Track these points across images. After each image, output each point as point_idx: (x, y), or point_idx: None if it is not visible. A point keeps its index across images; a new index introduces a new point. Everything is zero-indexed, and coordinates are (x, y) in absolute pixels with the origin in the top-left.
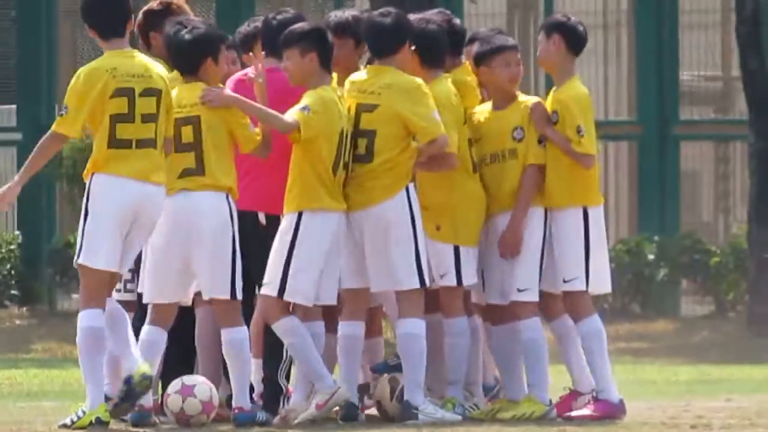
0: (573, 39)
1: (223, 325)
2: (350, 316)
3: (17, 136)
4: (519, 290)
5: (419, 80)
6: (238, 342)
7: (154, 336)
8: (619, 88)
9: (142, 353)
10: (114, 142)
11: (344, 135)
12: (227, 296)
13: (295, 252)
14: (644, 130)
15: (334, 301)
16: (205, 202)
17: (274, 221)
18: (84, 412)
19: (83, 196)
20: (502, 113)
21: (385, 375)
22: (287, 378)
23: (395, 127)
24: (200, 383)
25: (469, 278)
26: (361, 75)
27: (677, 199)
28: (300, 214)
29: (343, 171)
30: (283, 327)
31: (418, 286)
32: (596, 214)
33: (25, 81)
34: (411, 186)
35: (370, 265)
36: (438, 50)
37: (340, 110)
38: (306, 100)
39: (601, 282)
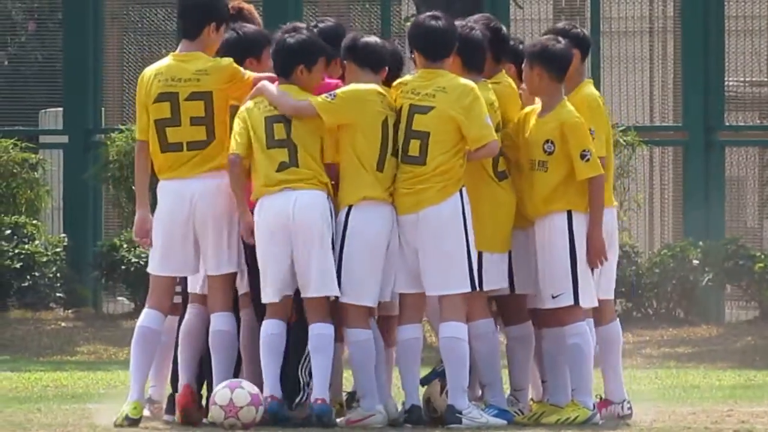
0: (583, 45)
1: (311, 321)
2: (407, 319)
3: (63, 139)
4: (553, 297)
5: (473, 84)
6: (324, 337)
7: (279, 329)
8: (664, 93)
9: (265, 348)
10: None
11: (388, 130)
12: (327, 294)
13: (345, 250)
14: (689, 136)
15: (387, 298)
16: (308, 200)
17: None
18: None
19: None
20: (541, 121)
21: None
22: (310, 374)
23: (449, 130)
24: (227, 390)
25: (491, 284)
26: (412, 77)
27: (722, 204)
28: (349, 209)
29: (392, 169)
30: (352, 336)
31: (469, 289)
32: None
33: (72, 84)
34: (464, 190)
35: (424, 270)
36: (481, 56)
37: (379, 103)
38: (338, 90)
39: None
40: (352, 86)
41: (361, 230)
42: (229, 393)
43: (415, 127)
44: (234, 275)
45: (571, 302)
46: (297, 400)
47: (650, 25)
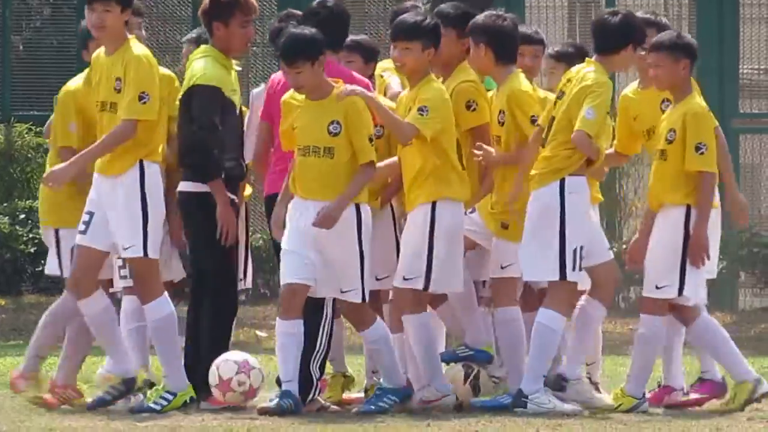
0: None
1: (359, 329)
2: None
3: None
4: (657, 287)
5: (473, 76)
6: (383, 339)
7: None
8: None
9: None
10: None
11: None
12: (356, 300)
13: (435, 242)
14: None
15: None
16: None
17: None
18: (173, 395)
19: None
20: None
21: (459, 363)
22: (320, 369)
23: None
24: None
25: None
26: None
27: None
28: (434, 204)
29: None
30: (416, 321)
31: (557, 277)
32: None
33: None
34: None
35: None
36: (512, 46)
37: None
38: (424, 97)
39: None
40: (435, 92)
41: (448, 224)
42: (234, 364)
43: None
44: None
45: (675, 295)
46: (309, 396)
47: (665, 12)
